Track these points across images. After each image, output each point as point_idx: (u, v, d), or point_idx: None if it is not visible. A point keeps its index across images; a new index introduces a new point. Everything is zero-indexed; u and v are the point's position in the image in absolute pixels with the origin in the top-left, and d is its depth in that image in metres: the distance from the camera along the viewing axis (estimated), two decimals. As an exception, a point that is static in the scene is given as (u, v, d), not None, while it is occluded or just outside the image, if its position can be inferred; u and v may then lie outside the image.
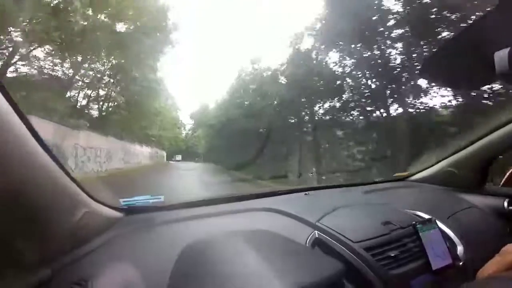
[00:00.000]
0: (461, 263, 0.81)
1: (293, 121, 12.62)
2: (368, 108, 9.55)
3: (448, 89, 6.52)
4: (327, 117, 11.18)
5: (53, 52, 10.42)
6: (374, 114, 9.34)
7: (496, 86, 5.24)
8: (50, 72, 10.91)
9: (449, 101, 7.00)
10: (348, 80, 10.42)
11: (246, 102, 16.28)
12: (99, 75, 12.91)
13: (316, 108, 11.81)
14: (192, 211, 1.01)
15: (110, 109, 14.07)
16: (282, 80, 13.72)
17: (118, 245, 0.74)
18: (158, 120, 17.57)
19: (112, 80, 13.58)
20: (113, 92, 13.61)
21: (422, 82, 7.50)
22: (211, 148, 24.52)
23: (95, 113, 13.48)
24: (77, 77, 11.89)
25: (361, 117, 9.83)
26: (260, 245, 0.65)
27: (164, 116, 20.15)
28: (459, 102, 6.78)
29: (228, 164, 16.00)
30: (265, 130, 13.18)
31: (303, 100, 11.88)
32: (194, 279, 0.55)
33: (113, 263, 0.64)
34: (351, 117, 10.30)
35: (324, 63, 11.25)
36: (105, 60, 12.78)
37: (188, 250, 0.67)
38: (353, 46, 9.62)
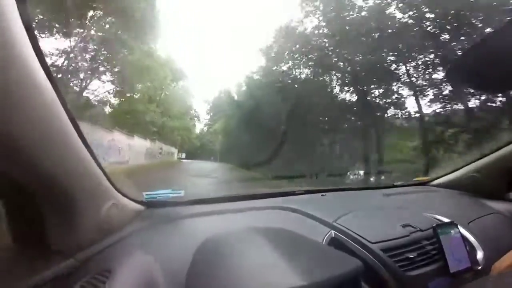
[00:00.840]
0: (479, 267, 0.84)
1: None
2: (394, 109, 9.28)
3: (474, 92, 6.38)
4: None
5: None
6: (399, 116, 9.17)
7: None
8: None
9: (475, 105, 6.87)
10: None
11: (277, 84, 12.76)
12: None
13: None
14: (210, 207, 1.08)
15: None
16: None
17: (140, 237, 0.80)
18: (149, 88, 11.72)
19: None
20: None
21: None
22: (230, 144, 20.12)
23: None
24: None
25: (385, 118, 9.61)
26: (276, 242, 0.68)
27: (169, 99, 14.61)
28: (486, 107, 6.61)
29: (248, 163, 13.05)
30: (295, 120, 11.28)
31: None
32: (212, 273, 0.59)
33: (134, 255, 0.69)
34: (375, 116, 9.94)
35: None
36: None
37: (206, 244, 0.72)
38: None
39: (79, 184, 0.63)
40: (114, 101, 11.47)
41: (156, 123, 13.00)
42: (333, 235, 0.88)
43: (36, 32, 0.46)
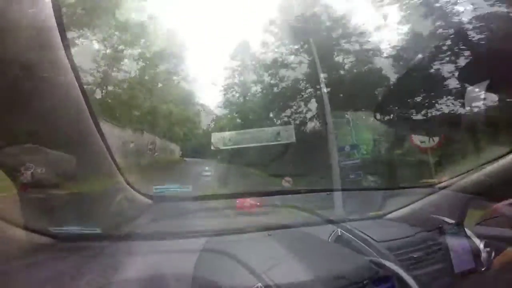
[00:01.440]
0: (483, 268, 0.86)
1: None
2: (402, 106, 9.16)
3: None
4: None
5: None
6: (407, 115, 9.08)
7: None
8: None
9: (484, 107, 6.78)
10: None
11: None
12: None
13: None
14: (217, 202, 1.12)
15: None
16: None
17: (148, 230, 0.84)
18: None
19: None
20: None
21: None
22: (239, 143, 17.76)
23: None
24: None
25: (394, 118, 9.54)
26: (283, 239, 0.71)
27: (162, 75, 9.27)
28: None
29: (257, 162, 10.25)
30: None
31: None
32: (219, 267, 0.62)
33: (143, 248, 0.73)
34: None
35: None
36: None
37: (213, 239, 0.75)
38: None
39: (96, 179, 0.67)
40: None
41: (142, 105, 8.52)
42: (339, 233, 0.91)
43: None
